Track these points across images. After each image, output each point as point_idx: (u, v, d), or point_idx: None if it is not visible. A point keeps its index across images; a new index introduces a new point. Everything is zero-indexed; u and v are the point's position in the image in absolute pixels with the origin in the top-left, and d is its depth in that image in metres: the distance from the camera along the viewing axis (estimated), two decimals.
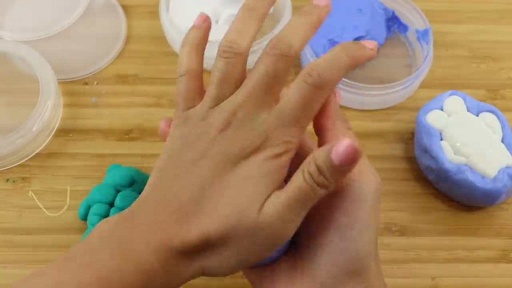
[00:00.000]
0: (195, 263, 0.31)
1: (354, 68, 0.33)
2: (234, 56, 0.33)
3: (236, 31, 0.34)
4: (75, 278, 0.29)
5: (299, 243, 0.34)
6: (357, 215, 0.32)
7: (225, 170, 0.31)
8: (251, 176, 0.30)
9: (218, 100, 0.33)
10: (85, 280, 0.29)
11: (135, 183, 0.45)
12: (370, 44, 0.33)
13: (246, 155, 0.31)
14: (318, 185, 0.30)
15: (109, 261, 0.29)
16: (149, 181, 0.32)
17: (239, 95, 0.32)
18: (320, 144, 0.34)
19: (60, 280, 0.29)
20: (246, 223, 0.30)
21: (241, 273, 0.44)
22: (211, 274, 0.31)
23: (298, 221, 0.31)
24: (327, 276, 0.32)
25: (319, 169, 0.30)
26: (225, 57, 0.33)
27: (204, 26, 0.38)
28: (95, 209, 0.43)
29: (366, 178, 0.32)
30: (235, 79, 0.33)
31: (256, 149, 0.31)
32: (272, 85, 0.32)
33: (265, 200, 0.30)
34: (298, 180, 0.30)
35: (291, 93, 0.31)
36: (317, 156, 0.30)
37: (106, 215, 0.42)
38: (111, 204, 0.43)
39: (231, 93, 0.33)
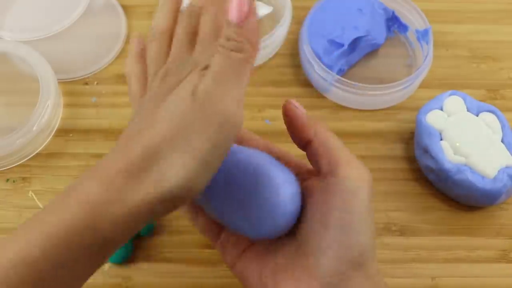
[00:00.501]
0: (146, 181, 0.29)
1: None
2: (159, 36, 0.37)
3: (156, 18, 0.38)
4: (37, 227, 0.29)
5: (302, 243, 0.34)
6: (355, 210, 0.33)
7: (166, 95, 0.32)
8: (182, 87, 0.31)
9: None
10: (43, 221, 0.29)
11: None
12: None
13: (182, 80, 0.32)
14: (233, 50, 0.32)
15: (61, 199, 0.29)
16: None
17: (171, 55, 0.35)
18: (310, 157, 0.36)
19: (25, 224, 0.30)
20: (185, 113, 0.30)
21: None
22: (173, 191, 0.29)
23: (236, 95, 0.31)
24: (333, 273, 0.32)
25: (226, 37, 0.32)
26: (153, 40, 0.37)
27: None
28: None
29: (357, 174, 0.34)
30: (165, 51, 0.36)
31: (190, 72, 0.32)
32: (193, 35, 0.35)
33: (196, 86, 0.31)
34: (216, 57, 0.32)
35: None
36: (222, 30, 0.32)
37: None
38: None
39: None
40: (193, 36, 0.35)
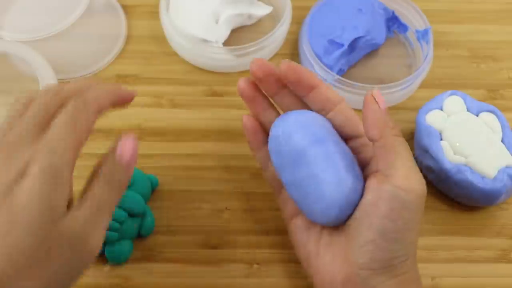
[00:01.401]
0: None
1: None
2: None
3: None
4: None
5: (346, 228, 0.37)
6: (402, 222, 0.35)
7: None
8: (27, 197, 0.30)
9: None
10: None
11: (136, 183, 0.45)
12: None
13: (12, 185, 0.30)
14: (114, 186, 0.34)
15: None
16: None
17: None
18: (374, 156, 0.38)
19: None
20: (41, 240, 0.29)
21: (243, 272, 0.44)
22: None
23: (100, 227, 0.32)
24: (365, 267, 0.35)
25: (110, 172, 0.34)
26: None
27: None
28: None
29: (413, 186, 0.35)
30: None
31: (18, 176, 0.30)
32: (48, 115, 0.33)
33: (61, 211, 0.30)
34: (94, 188, 0.33)
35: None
36: (106, 162, 0.34)
37: None
38: None
39: None
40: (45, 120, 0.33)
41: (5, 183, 0.30)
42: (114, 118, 0.52)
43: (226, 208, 0.47)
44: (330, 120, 0.40)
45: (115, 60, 0.55)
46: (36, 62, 0.51)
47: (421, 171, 0.48)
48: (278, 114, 0.42)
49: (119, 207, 0.43)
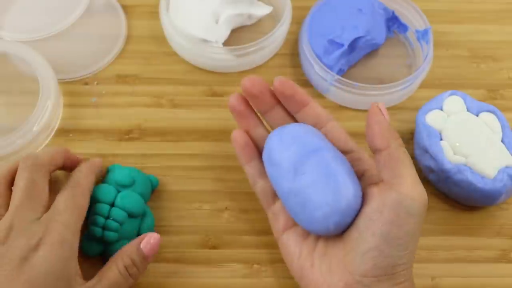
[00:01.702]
0: None
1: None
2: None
3: None
4: None
5: (345, 238, 0.37)
6: (405, 228, 0.35)
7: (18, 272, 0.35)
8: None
9: None
10: None
11: (136, 183, 0.45)
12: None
13: (30, 252, 0.36)
14: (131, 276, 0.39)
15: None
16: None
17: (9, 210, 0.38)
18: (377, 163, 0.38)
19: None
20: None
21: (243, 272, 0.44)
22: None
23: None
24: (368, 274, 0.35)
25: (133, 262, 0.39)
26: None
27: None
28: (96, 208, 0.43)
29: (418, 194, 0.36)
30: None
31: (37, 245, 0.36)
32: (35, 192, 0.39)
33: None
34: (112, 273, 0.38)
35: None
36: (129, 251, 0.39)
37: (107, 215, 0.42)
38: (112, 204, 0.43)
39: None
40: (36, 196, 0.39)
41: (23, 249, 0.35)
42: (114, 118, 0.52)
43: (226, 208, 0.47)
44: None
45: (115, 60, 0.55)
46: (36, 62, 0.51)
47: (421, 171, 0.49)
48: (268, 131, 0.43)
49: (119, 207, 0.43)
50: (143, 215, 0.45)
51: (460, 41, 0.58)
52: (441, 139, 0.47)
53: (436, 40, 0.54)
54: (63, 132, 0.51)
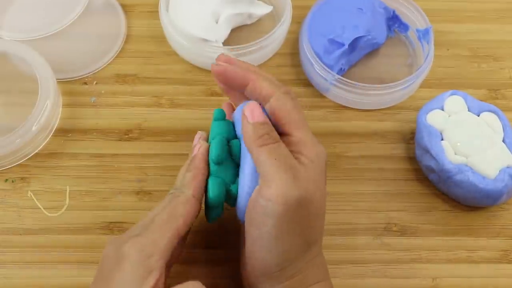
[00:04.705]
0: None
1: None
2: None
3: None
4: None
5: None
6: (265, 229, 0.36)
7: None
8: None
9: None
10: None
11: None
12: None
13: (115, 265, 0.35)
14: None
15: None
16: None
17: None
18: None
19: None
20: None
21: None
22: None
23: None
24: (251, 275, 0.38)
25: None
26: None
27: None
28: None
29: (272, 195, 0.35)
30: None
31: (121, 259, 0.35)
32: None
33: None
34: None
35: None
36: None
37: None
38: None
39: None
40: None
41: (107, 268, 0.35)
42: (114, 118, 0.52)
43: (226, 208, 0.47)
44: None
45: (114, 60, 0.55)
46: (35, 62, 0.51)
47: (421, 171, 0.49)
48: None
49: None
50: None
51: (461, 41, 0.57)
52: (442, 139, 0.47)
53: (437, 40, 0.54)
54: (62, 131, 0.51)
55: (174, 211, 0.37)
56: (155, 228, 0.36)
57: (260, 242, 0.36)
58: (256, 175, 0.38)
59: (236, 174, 0.40)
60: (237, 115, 0.41)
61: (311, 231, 0.37)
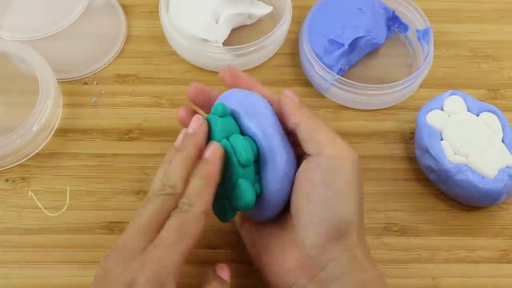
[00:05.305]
0: None
1: None
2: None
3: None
4: None
5: (291, 217, 0.37)
6: (334, 186, 0.35)
7: None
8: None
9: None
10: None
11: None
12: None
13: None
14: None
15: None
16: None
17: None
18: (300, 142, 0.38)
19: None
20: None
21: (243, 272, 0.44)
22: None
23: None
24: (312, 246, 0.35)
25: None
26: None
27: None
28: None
29: (337, 152, 0.36)
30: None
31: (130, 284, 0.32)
32: (161, 220, 0.34)
33: None
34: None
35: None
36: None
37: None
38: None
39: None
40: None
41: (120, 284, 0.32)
42: (114, 118, 0.52)
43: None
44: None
45: (114, 60, 0.55)
46: (36, 62, 0.51)
47: (421, 171, 0.49)
48: None
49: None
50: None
51: (461, 41, 0.57)
52: (441, 139, 0.47)
53: (436, 40, 0.54)
54: (62, 131, 0.51)
55: (184, 230, 0.34)
56: (164, 249, 0.33)
57: (331, 202, 0.35)
58: (287, 168, 0.37)
59: (255, 172, 0.38)
60: (248, 108, 0.38)
61: (362, 198, 0.37)
